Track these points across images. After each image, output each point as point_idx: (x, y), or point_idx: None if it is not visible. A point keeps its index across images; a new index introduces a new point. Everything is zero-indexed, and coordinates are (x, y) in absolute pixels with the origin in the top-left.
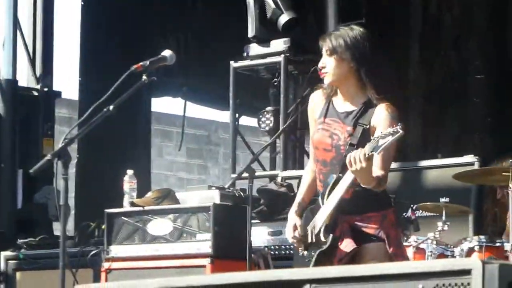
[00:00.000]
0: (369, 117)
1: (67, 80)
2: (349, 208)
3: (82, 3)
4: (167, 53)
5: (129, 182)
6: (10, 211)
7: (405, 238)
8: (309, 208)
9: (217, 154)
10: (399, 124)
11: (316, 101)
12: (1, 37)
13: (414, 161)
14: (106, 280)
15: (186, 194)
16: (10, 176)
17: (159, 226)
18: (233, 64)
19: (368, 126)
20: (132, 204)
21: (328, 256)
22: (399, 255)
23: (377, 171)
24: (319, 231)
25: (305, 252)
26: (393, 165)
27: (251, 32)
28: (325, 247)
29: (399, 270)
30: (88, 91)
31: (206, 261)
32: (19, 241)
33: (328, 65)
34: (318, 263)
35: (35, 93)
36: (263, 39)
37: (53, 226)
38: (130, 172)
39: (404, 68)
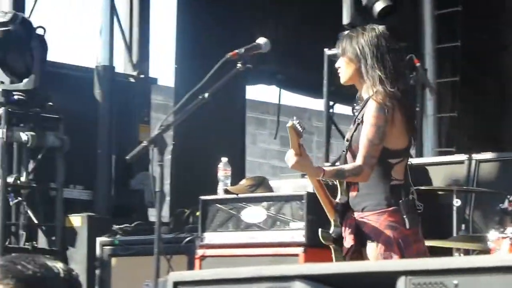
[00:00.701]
0: (363, 112)
1: (163, 66)
2: (355, 204)
3: None
4: (261, 40)
5: (223, 169)
6: (106, 197)
7: (502, 230)
8: None
9: (311, 142)
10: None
11: None
12: (99, 24)
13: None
14: (200, 267)
15: (279, 182)
16: (106, 162)
17: (253, 213)
18: (327, 51)
19: (361, 121)
20: (226, 191)
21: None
22: (388, 256)
23: (356, 161)
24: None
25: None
26: (489, 155)
27: (346, 19)
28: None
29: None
30: (184, 78)
31: (299, 250)
32: (115, 227)
33: (341, 65)
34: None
35: (132, 80)
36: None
37: (148, 212)
38: (224, 159)
39: (501, 55)
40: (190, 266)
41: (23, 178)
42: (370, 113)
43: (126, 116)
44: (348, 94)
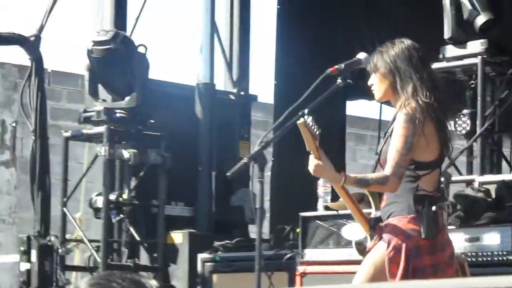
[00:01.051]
0: (393, 125)
1: (262, 83)
2: (382, 215)
3: (278, 7)
4: (362, 55)
5: (323, 186)
6: (207, 213)
7: None
8: None
9: None
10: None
11: None
12: (199, 42)
13: None
14: (301, 284)
15: None
16: (207, 179)
17: (354, 230)
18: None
19: (390, 133)
20: (326, 208)
21: None
22: (394, 261)
23: (384, 170)
24: None
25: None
26: None
27: (447, 34)
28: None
29: None
30: (283, 95)
31: None
32: (216, 243)
33: (374, 82)
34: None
35: (232, 97)
36: (460, 41)
37: (248, 228)
38: None
39: None
40: (291, 283)
41: (125, 195)
42: (399, 123)
43: (226, 133)
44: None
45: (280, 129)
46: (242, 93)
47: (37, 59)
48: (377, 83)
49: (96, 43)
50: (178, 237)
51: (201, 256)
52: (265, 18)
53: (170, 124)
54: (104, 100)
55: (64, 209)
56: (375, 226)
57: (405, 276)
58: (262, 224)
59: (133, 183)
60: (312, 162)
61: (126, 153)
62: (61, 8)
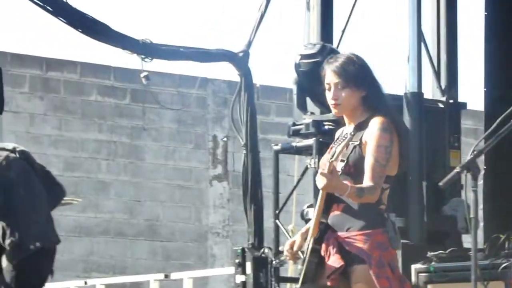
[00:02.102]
0: (361, 134)
1: (472, 90)
2: (338, 224)
3: (486, 13)
4: None
5: None
6: (418, 223)
7: None
8: None
9: None
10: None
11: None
12: (406, 51)
13: None
14: None
15: None
16: (418, 188)
17: None
18: None
19: (358, 143)
20: None
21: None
22: (381, 276)
23: (365, 181)
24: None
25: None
26: None
27: None
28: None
29: None
30: (494, 101)
31: None
32: (429, 254)
33: (341, 96)
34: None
35: (441, 105)
36: None
37: (462, 238)
38: None
39: None
40: None
41: None
42: (376, 133)
43: (436, 142)
44: None
45: (492, 137)
46: (451, 101)
47: (246, 75)
48: (347, 96)
49: (304, 56)
50: None
51: (415, 266)
52: (472, 24)
53: None
54: (312, 113)
55: (277, 221)
56: (324, 230)
57: (397, 286)
58: (477, 233)
59: None
60: (324, 175)
61: None
62: (268, 23)
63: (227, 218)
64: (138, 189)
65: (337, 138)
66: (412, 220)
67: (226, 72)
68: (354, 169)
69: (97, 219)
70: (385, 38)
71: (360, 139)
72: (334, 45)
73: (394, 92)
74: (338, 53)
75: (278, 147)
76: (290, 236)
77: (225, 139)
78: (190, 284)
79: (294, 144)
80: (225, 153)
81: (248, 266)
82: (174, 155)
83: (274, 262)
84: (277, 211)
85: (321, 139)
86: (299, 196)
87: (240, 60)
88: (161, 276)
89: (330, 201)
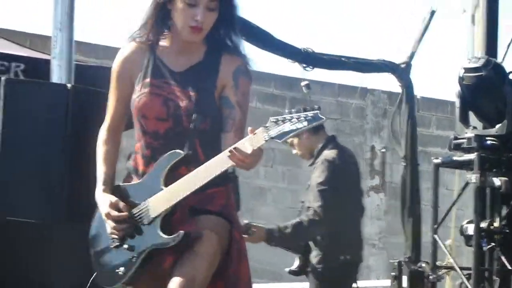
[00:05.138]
0: (214, 75)
1: None
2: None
3: None
4: None
5: None
6: None
7: None
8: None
9: None
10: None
11: (132, 57)
12: None
13: None
14: None
15: None
16: None
17: None
18: None
19: (216, 88)
20: None
21: (161, 253)
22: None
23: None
24: (153, 221)
25: (117, 243)
26: None
27: None
28: (171, 243)
29: None
30: None
31: None
32: None
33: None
34: (148, 258)
35: None
36: None
37: None
38: None
39: None
40: None
41: (496, 224)
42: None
43: None
44: None
45: None
46: None
47: (408, 86)
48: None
49: (468, 70)
50: None
51: None
52: None
53: None
54: (474, 127)
55: (435, 235)
56: None
57: None
58: None
59: (504, 211)
60: None
61: (497, 181)
62: (432, 36)
63: (384, 230)
64: (294, 197)
65: (152, 70)
66: None
67: (386, 82)
68: None
69: None
70: None
71: (215, 82)
72: (499, 60)
73: None
74: (502, 68)
75: (438, 161)
76: (448, 252)
77: (383, 150)
78: None
79: (455, 158)
80: (383, 164)
81: (404, 279)
82: None
83: (431, 277)
84: (435, 226)
85: (483, 154)
86: (458, 211)
87: (402, 72)
88: None
89: None
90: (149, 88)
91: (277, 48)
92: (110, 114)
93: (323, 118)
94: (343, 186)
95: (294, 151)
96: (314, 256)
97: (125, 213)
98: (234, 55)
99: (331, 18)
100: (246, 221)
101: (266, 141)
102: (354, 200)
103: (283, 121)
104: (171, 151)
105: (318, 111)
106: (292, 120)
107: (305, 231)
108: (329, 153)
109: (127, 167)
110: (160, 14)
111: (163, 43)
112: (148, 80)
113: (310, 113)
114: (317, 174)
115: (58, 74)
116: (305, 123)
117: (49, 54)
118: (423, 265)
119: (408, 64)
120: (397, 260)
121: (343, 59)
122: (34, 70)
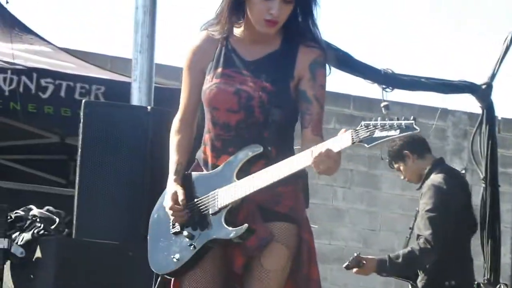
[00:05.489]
0: (290, 66)
1: None
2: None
3: None
4: None
5: None
6: None
7: None
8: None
9: None
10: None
11: (203, 47)
12: None
13: None
14: None
15: None
16: None
17: None
18: None
19: (292, 79)
20: None
21: (223, 245)
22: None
23: None
24: (218, 211)
25: (177, 230)
26: None
27: None
28: (233, 235)
29: None
30: None
31: None
32: None
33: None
34: (205, 250)
35: None
36: None
37: None
38: None
39: None
40: None
41: None
42: (318, 74)
43: None
44: None
45: None
46: None
47: (489, 107)
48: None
49: None
50: None
51: None
52: None
53: None
54: None
55: None
56: None
57: None
58: None
59: None
60: None
61: None
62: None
63: None
64: (373, 218)
65: (224, 59)
66: None
67: (466, 103)
68: None
69: (331, 246)
70: None
71: (292, 73)
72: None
73: None
74: None
75: None
76: None
77: (463, 171)
78: None
79: None
80: None
81: None
82: (411, 185)
83: None
84: None
85: None
86: None
87: (483, 93)
88: None
89: None
90: (220, 78)
91: (357, 69)
92: (183, 104)
93: (417, 129)
94: (451, 211)
95: (402, 177)
96: (419, 281)
97: (180, 207)
98: (311, 46)
99: (409, 38)
100: (356, 254)
101: (353, 143)
102: (462, 224)
103: (375, 126)
104: (250, 145)
105: (413, 121)
106: (384, 127)
107: (417, 260)
108: (436, 178)
109: (196, 157)
110: (235, 6)
111: (236, 31)
112: (220, 70)
113: (404, 122)
114: (425, 201)
115: (137, 96)
116: (398, 131)
117: (130, 77)
118: (502, 287)
119: (489, 85)
120: (476, 282)
121: (423, 80)
122: (114, 93)
